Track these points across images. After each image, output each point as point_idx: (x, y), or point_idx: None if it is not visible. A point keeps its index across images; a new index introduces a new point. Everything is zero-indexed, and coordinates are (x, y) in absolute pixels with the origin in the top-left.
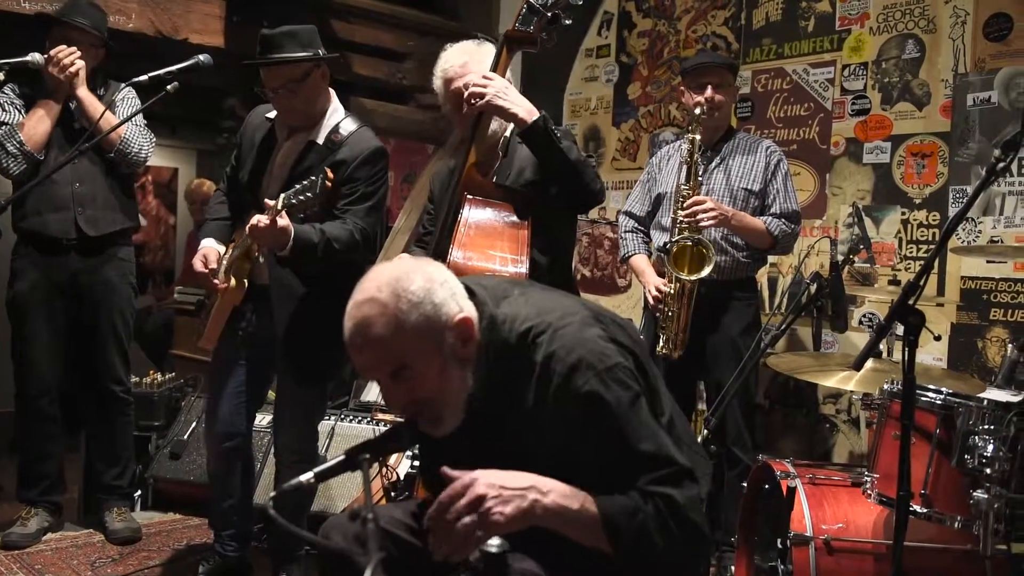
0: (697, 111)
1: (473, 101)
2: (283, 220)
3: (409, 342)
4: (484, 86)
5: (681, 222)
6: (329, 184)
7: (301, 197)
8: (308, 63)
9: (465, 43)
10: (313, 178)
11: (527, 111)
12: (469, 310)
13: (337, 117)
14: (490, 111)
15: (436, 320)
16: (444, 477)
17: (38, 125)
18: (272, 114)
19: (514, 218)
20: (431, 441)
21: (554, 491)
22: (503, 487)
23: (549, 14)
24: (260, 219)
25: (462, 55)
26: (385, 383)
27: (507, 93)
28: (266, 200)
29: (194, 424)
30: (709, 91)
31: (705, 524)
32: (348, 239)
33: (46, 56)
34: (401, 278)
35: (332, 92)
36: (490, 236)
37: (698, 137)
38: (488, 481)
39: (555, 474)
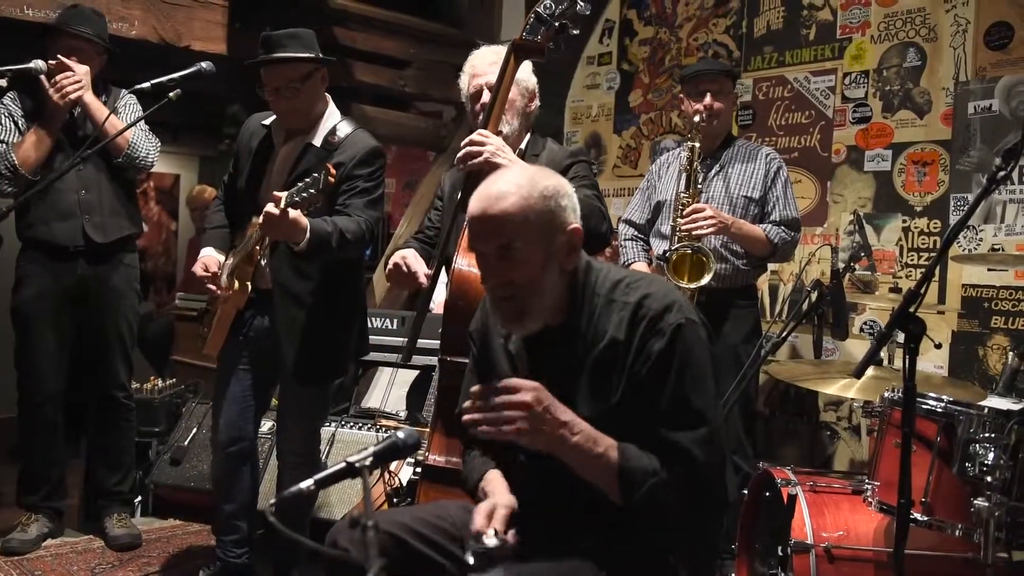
0: (696, 118)
1: (470, 158)
2: (295, 212)
3: (528, 225)
4: (482, 144)
5: (680, 230)
6: (332, 180)
7: (304, 194)
8: (310, 64)
9: (498, 46)
10: (316, 175)
11: None
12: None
13: (334, 120)
14: (487, 169)
15: (556, 218)
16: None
17: (33, 150)
18: (268, 120)
19: None
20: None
21: (583, 433)
22: (547, 410)
23: (556, 24)
24: (271, 208)
25: (493, 55)
26: (489, 257)
27: (504, 152)
28: (275, 192)
29: (195, 430)
30: (708, 99)
31: (723, 490)
32: (357, 230)
33: (50, 64)
34: (540, 174)
35: (328, 96)
36: None
37: (697, 145)
38: (539, 397)
39: (611, 418)
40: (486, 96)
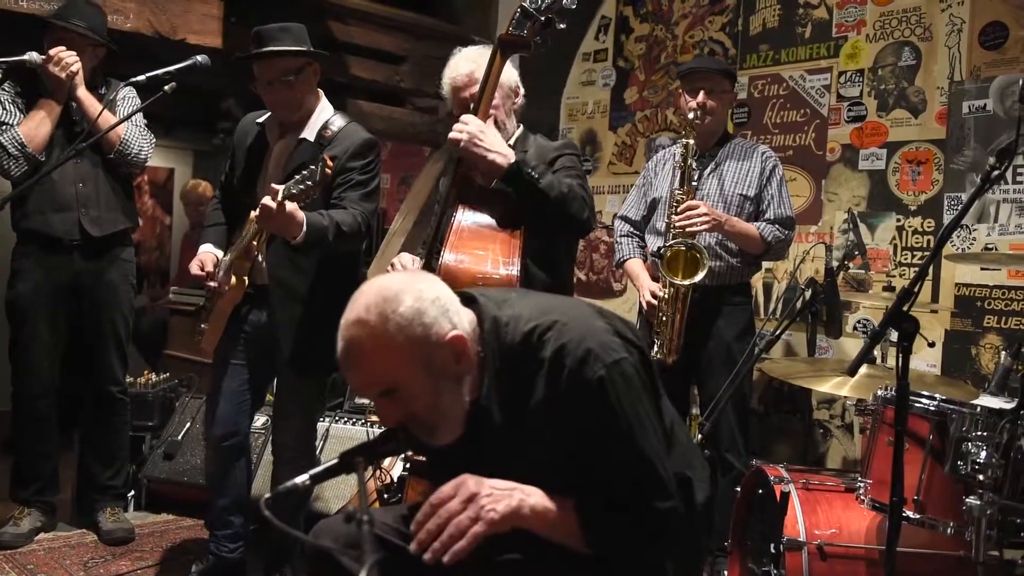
0: (691, 115)
1: (454, 142)
2: (291, 206)
3: (397, 363)
4: (460, 131)
5: (675, 227)
6: (329, 171)
7: (302, 186)
8: (302, 57)
9: (471, 50)
10: (312, 167)
11: (502, 157)
12: (463, 324)
13: (326, 114)
14: (467, 156)
15: (426, 340)
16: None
17: (39, 126)
18: (262, 118)
19: (506, 222)
20: (433, 448)
21: (535, 494)
22: (492, 486)
23: (543, 18)
24: (267, 200)
25: (469, 64)
26: (377, 401)
27: (482, 138)
28: (271, 185)
29: (188, 425)
30: (701, 96)
31: (682, 534)
32: (353, 223)
33: (44, 56)
34: (389, 299)
35: (320, 91)
36: (483, 239)
37: (692, 142)
38: (476, 481)
39: (554, 477)
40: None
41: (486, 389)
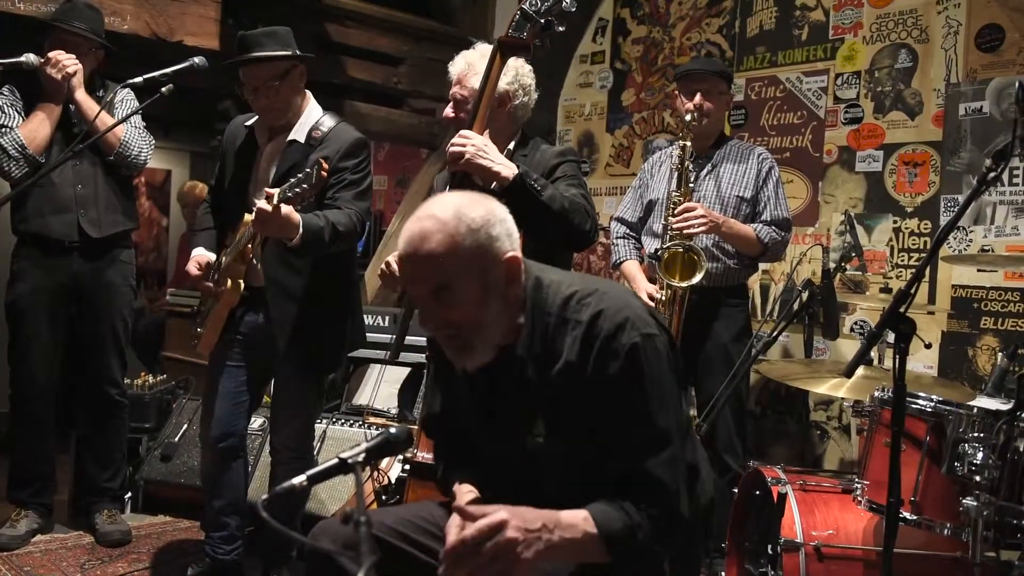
0: (687, 117)
1: (455, 159)
2: (286, 208)
3: (458, 264)
4: (463, 145)
5: (671, 229)
6: (324, 174)
7: (297, 189)
8: (287, 61)
9: (474, 51)
10: (308, 170)
11: (506, 169)
12: (519, 254)
13: (316, 115)
14: (470, 169)
15: (488, 251)
16: (463, 514)
17: (39, 128)
18: (250, 121)
19: None
20: (456, 402)
21: (559, 526)
22: (527, 530)
23: (543, 20)
24: (263, 204)
25: (464, 63)
26: (425, 299)
27: (486, 152)
28: (267, 189)
29: (185, 426)
30: (698, 98)
31: (687, 514)
32: (348, 222)
33: (42, 59)
34: (465, 204)
35: (309, 93)
36: None
37: (688, 143)
38: (516, 524)
39: (575, 439)
40: (447, 109)
41: (523, 341)
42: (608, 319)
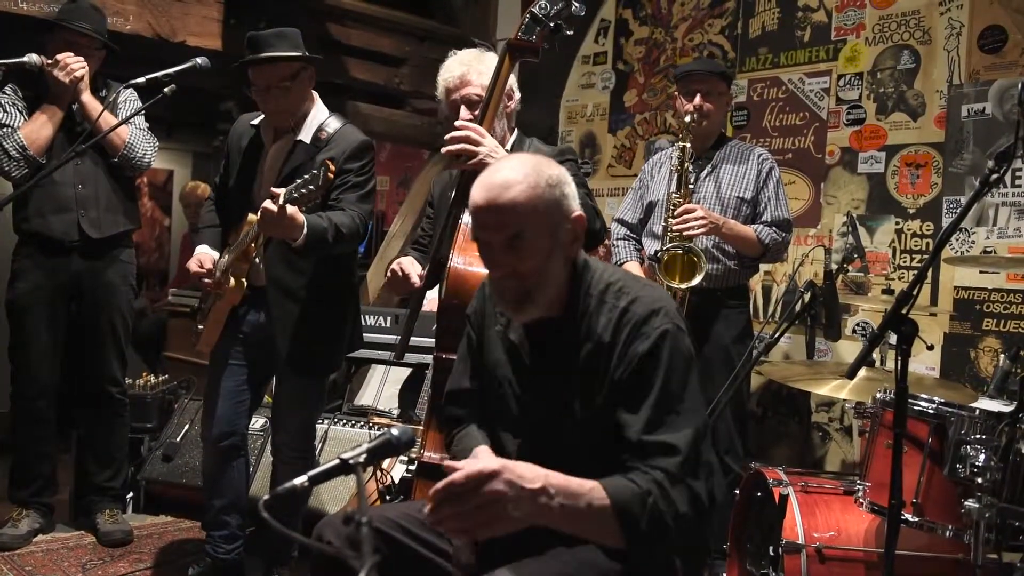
0: (687, 118)
1: (464, 156)
2: (291, 209)
3: (537, 214)
4: (477, 144)
5: (672, 230)
6: (331, 175)
7: (304, 190)
8: (298, 63)
9: (465, 53)
10: (315, 171)
11: None
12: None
13: (321, 116)
14: (481, 170)
15: (562, 206)
16: (448, 470)
17: (41, 129)
18: (256, 120)
19: None
20: (491, 368)
21: (561, 493)
22: (521, 487)
23: (552, 24)
24: (269, 205)
25: (461, 67)
26: (498, 245)
27: (497, 154)
28: (272, 188)
29: (187, 426)
30: (698, 99)
31: (705, 497)
32: (351, 224)
33: (46, 60)
34: (544, 163)
35: (315, 94)
36: None
37: (688, 145)
38: (508, 478)
39: (600, 419)
40: (464, 113)
41: (565, 314)
42: (643, 305)
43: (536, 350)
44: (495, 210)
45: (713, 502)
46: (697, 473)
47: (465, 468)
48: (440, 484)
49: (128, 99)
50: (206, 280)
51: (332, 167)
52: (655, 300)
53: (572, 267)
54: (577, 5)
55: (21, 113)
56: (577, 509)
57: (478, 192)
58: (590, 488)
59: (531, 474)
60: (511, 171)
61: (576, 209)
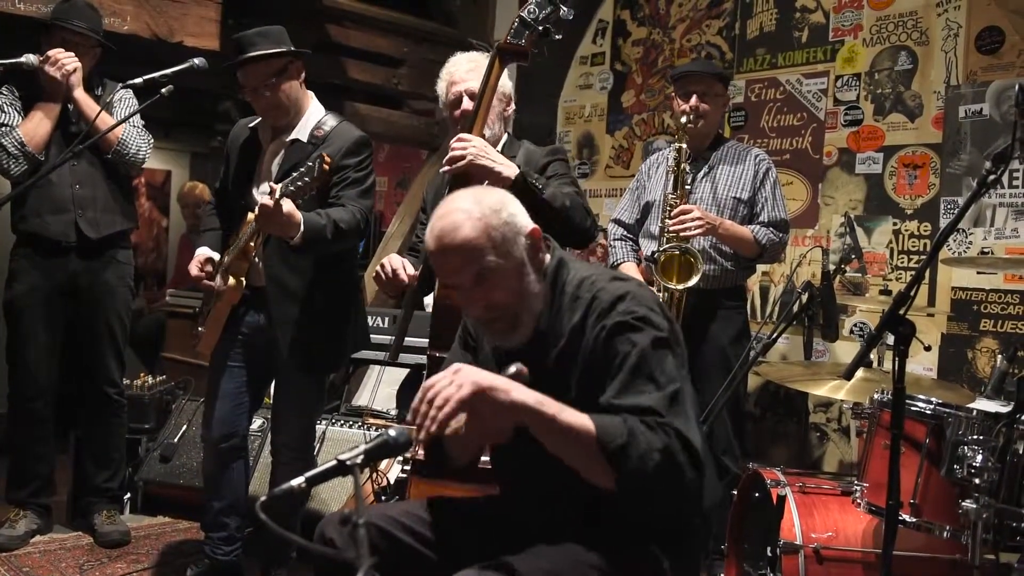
0: (683, 119)
1: (455, 162)
2: (289, 206)
3: (492, 244)
4: (464, 148)
5: (668, 231)
6: (326, 167)
7: (299, 183)
8: (283, 59)
9: (474, 53)
10: (311, 164)
11: (507, 168)
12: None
13: (318, 114)
14: (472, 170)
15: (515, 225)
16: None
17: (38, 126)
18: (254, 123)
19: None
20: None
21: (547, 402)
22: (493, 376)
23: (541, 28)
24: (266, 200)
25: (469, 63)
26: (468, 287)
27: (487, 152)
28: (271, 184)
29: (184, 427)
30: (694, 100)
31: (692, 465)
32: (351, 219)
33: (41, 57)
34: (483, 191)
35: (310, 92)
36: None
37: (684, 145)
38: (475, 371)
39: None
40: (466, 103)
41: (544, 315)
42: (611, 293)
43: (520, 359)
44: (452, 253)
45: (702, 506)
46: (685, 422)
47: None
48: (413, 404)
49: (123, 97)
50: (207, 282)
51: (327, 159)
52: (623, 287)
53: (548, 271)
54: (565, 9)
55: (18, 112)
56: (556, 416)
57: (431, 241)
58: (564, 405)
59: (502, 380)
60: (456, 212)
61: (527, 223)
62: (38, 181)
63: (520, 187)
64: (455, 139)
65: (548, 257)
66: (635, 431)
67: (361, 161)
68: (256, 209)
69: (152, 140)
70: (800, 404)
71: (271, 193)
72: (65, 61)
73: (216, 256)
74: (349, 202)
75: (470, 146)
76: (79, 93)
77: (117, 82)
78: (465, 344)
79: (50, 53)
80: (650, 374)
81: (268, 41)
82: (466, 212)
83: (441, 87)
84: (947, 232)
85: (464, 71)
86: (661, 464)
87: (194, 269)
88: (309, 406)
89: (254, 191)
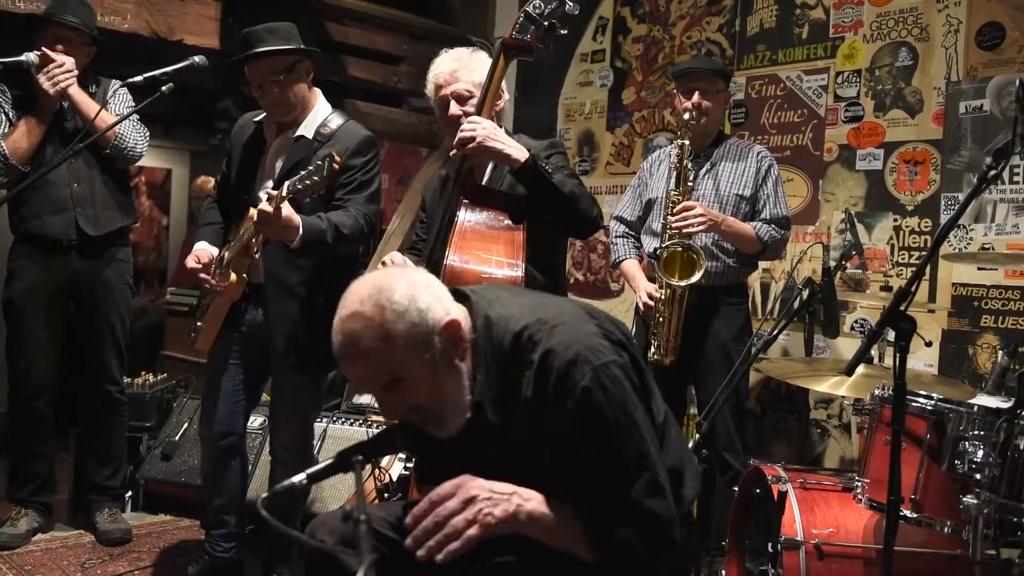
0: (685, 116)
1: (464, 144)
2: (287, 210)
3: (399, 351)
4: (473, 130)
5: (671, 228)
6: (336, 167)
7: (308, 181)
8: (291, 56)
9: (457, 50)
10: (320, 163)
11: (518, 151)
12: (456, 312)
13: (324, 112)
14: (481, 153)
15: (423, 326)
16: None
17: (22, 140)
18: (259, 117)
19: (509, 222)
20: (428, 444)
21: (534, 499)
22: (492, 489)
23: (546, 23)
24: (264, 205)
25: (452, 62)
26: (379, 395)
27: (496, 135)
28: (268, 190)
29: (185, 425)
30: (696, 97)
31: (679, 536)
32: (354, 224)
33: (40, 54)
34: (384, 288)
35: (317, 89)
36: (486, 240)
37: (687, 142)
38: (477, 484)
39: (548, 477)
40: (454, 107)
41: (480, 386)
42: (559, 357)
43: (462, 431)
44: (355, 365)
45: (683, 504)
46: (672, 523)
47: (438, 488)
48: (415, 511)
49: (120, 94)
50: (203, 276)
51: (337, 159)
52: (568, 344)
53: (474, 341)
54: (571, 4)
55: (6, 116)
56: (550, 516)
57: (336, 348)
58: (567, 506)
59: (501, 486)
60: (354, 320)
61: (442, 316)
62: (36, 182)
63: (530, 171)
64: (466, 122)
65: (468, 327)
66: (623, 541)
67: (367, 162)
68: (255, 214)
69: (148, 133)
70: (801, 400)
71: (269, 199)
72: (60, 76)
73: (214, 251)
74: (354, 206)
75: (479, 127)
76: (74, 90)
77: (111, 79)
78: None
79: (47, 54)
80: (628, 458)
81: (277, 38)
82: (366, 319)
83: (429, 90)
84: (948, 228)
85: (448, 72)
86: (647, 556)
87: (191, 262)
88: (306, 406)
89: (257, 187)
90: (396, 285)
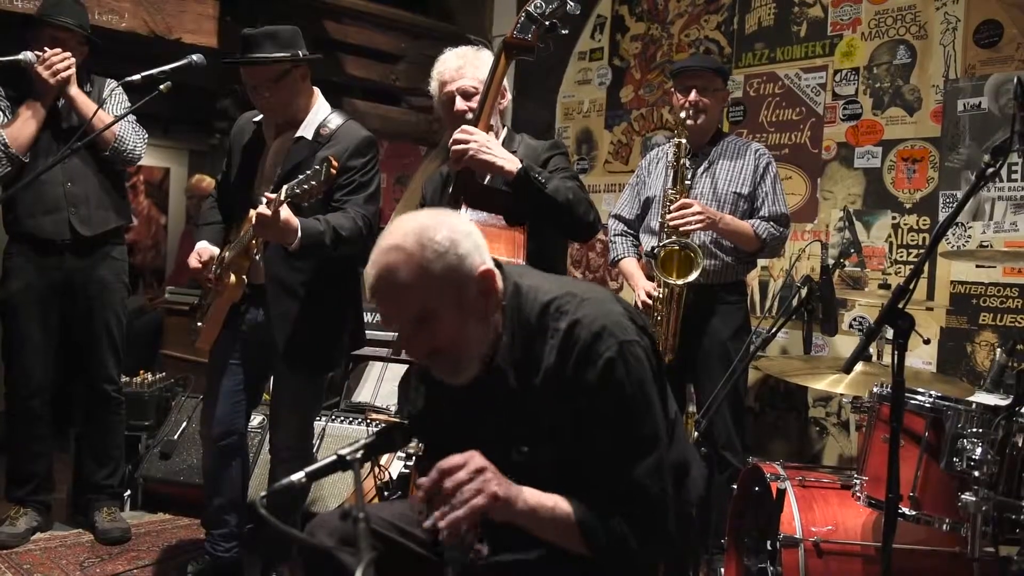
0: (682, 114)
1: (457, 157)
2: (286, 213)
3: (433, 290)
4: (466, 141)
5: (668, 226)
6: (334, 171)
7: (305, 186)
8: (286, 64)
9: (462, 48)
10: (317, 167)
11: (510, 163)
12: (492, 266)
13: (324, 113)
14: (474, 165)
15: (460, 270)
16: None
17: (23, 127)
18: (258, 118)
19: (511, 220)
20: (438, 404)
21: (530, 491)
22: (498, 471)
23: (547, 23)
24: (262, 209)
25: (458, 59)
26: (406, 330)
27: (490, 147)
28: (266, 194)
29: (184, 424)
30: (693, 95)
31: (672, 528)
32: (353, 227)
33: (37, 53)
34: (427, 227)
35: (316, 90)
36: (486, 239)
37: (684, 140)
38: (481, 459)
39: (558, 446)
40: (459, 103)
41: (503, 350)
42: (585, 328)
43: (477, 391)
44: (388, 296)
45: (689, 504)
46: (663, 507)
47: (447, 459)
48: (423, 481)
49: (116, 94)
50: (207, 277)
51: (335, 163)
52: (595, 318)
53: (502, 301)
54: (572, 4)
55: (3, 112)
56: (546, 507)
57: (370, 278)
58: (563, 499)
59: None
60: (394, 252)
61: (479, 264)
62: (31, 182)
63: (523, 182)
64: (458, 131)
65: (501, 285)
66: (617, 534)
67: (367, 163)
68: (253, 217)
69: (147, 135)
70: (799, 398)
71: (268, 203)
72: (59, 66)
73: (215, 250)
74: (352, 207)
75: (472, 140)
76: (73, 90)
77: (107, 78)
78: (424, 373)
79: (45, 56)
80: (641, 434)
81: (275, 43)
82: (407, 254)
83: (433, 87)
84: (946, 226)
85: (454, 69)
86: (642, 552)
87: (193, 261)
88: (306, 405)
89: (256, 188)
90: (440, 227)
